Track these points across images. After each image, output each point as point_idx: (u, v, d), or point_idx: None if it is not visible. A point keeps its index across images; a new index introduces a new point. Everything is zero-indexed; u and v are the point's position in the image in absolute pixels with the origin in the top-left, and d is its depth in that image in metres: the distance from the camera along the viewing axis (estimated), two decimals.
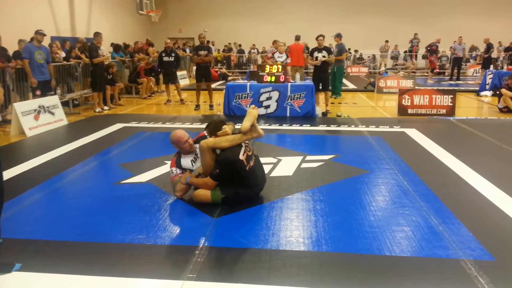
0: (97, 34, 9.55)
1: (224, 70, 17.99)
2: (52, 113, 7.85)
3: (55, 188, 4.41)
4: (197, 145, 4.05)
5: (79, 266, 2.78)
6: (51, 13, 14.60)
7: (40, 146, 6.27)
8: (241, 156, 3.75)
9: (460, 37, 16.69)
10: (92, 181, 4.80)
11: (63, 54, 10.82)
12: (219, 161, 3.74)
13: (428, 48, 17.90)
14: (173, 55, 10.95)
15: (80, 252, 2.99)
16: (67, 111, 9.07)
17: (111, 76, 10.15)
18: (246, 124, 3.81)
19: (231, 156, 3.74)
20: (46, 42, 11.40)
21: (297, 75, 9.48)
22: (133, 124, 7.85)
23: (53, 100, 8.09)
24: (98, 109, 9.59)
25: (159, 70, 12.98)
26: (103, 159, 5.55)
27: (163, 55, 10.97)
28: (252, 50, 21.81)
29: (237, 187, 3.79)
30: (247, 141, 3.93)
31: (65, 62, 10.19)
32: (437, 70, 19.44)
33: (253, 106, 4.05)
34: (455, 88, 12.28)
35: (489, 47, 16.45)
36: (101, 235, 3.24)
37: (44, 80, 8.24)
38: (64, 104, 9.03)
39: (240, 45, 22.15)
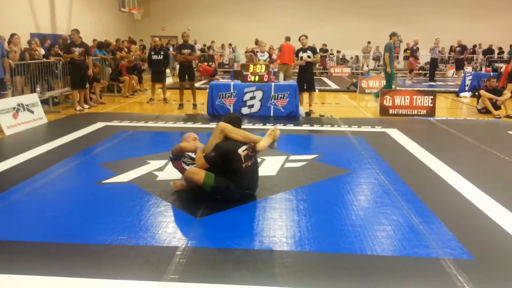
0: (71, 31, 9.42)
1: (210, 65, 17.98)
2: (32, 112, 7.69)
3: (34, 188, 4.32)
4: (199, 143, 4.08)
5: (59, 268, 2.73)
6: (30, 9, 14.30)
7: (19, 145, 6.14)
8: (240, 151, 3.77)
9: (437, 38, 16.98)
10: (72, 181, 4.71)
11: (42, 52, 10.61)
12: (219, 146, 3.78)
13: (408, 49, 18.18)
14: (162, 53, 10.86)
15: (60, 253, 2.93)
16: (47, 110, 8.90)
17: (91, 76, 9.96)
18: (264, 144, 3.84)
19: (231, 145, 3.79)
20: (25, 38, 11.22)
21: (281, 75, 9.50)
22: (115, 123, 7.75)
23: (32, 98, 7.93)
24: (78, 108, 9.43)
25: (142, 68, 12.88)
26: (84, 159, 5.46)
27: (152, 53, 10.88)
28: (229, 50, 21.71)
29: (229, 183, 3.79)
30: (252, 144, 3.93)
31: (44, 59, 9.99)
32: (417, 72, 19.75)
33: (276, 128, 3.98)
34: (435, 89, 12.50)
35: (463, 48, 16.77)
36: (81, 236, 3.18)
37: None
38: (44, 102, 8.86)
39: (204, 45, 21.74)
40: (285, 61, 10.85)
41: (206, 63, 17.48)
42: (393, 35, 10.18)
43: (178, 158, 4.16)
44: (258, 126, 7.66)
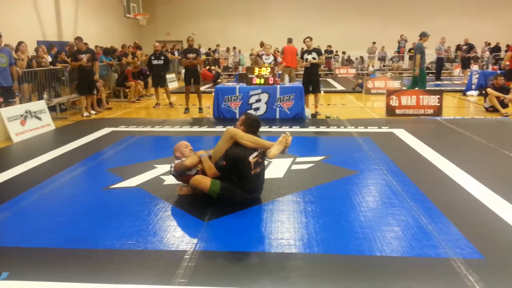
0: (75, 40, 9.51)
1: (217, 69, 17.79)
2: (39, 118, 7.76)
3: (43, 194, 4.35)
4: (199, 152, 4.04)
5: (68, 273, 2.74)
6: (36, 17, 14.43)
7: (27, 152, 6.19)
8: (251, 158, 3.74)
9: (443, 37, 16.88)
10: (80, 186, 4.74)
11: (49, 59, 10.70)
12: (228, 154, 3.74)
13: (413, 49, 18.13)
14: (162, 58, 10.92)
15: (69, 259, 2.95)
16: (54, 116, 8.98)
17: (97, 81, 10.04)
18: (275, 152, 3.80)
19: (241, 153, 3.74)
20: (31, 46, 11.32)
21: (286, 77, 9.50)
22: (122, 128, 7.79)
23: (40, 105, 8.01)
24: (85, 114, 9.49)
25: (147, 73, 12.93)
26: (92, 164, 5.49)
27: (152, 58, 10.94)
28: (233, 53, 21.68)
29: (235, 188, 3.78)
30: (261, 150, 3.90)
31: (51, 66, 10.08)
32: None
33: (288, 134, 3.90)
34: (442, 88, 12.42)
35: (470, 47, 16.65)
36: (90, 241, 3.20)
37: (7, 86, 7.61)
38: (51, 109, 8.94)
39: (209, 48, 21.55)
40: (287, 63, 10.88)
41: (207, 67, 17.42)
42: (423, 35, 9.97)
43: (180, 174, 4.08)
44: (264, 129, 7.65)
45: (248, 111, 8.47)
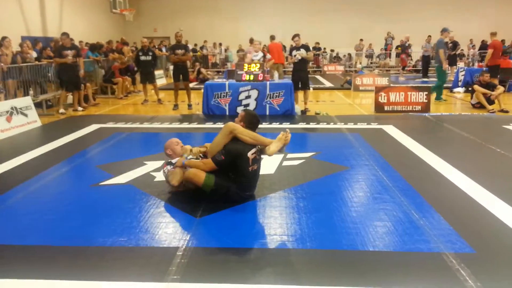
0: (61, 37, 9.33)
1: (207, 75, 17.13)
2: (25, 115, 7.62)
3: (30, 191, 4.26)
4: (179, 162, 3.99)
5: (59, 271, 2.70)
6: (21, 12, 14.17)
7: (13, 149, 6.07)
8: (249, 154, 3.72)
9: (429, 36, 17.03)
10: (69, 183, 4.68)
11: (34, 54, 10.51)
12: (228, 149, 3.70)
13: (400, 46, 18.39)
14: (150, 54, 10.81)
15: (59, 256, 2.90)
16: (41, 113, 8.82)
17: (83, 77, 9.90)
18: (274, 149, 3.79)
19: (241, 148, 3.71)
20: (16, 41, 11.11)
21: (276, 74, 9.50)
22: (110, 125, 7.69)
23: (25, 101, 7.86)
24: (61, 110, 9.24)
25: (135, 69, 12.80)
26: (80, 161, 5.41)
27: (140, 54, 10.82)
28: (219, 49, 21.54)
29: (230, 185, 3.75)
30: (259, 146, 3.88)
31: (37, 62, 9.90)
32: (410, 68, 19.85)
33: (288, 131, 3.91)
34: (429, 85, 12.53)
35: (455, 44, 16.88)
36: (80, 239, 3.15)
37: None
38: (37, 105, 8.77)
39: (196, 44, 21.45)
40: (276, 60, 10.92)
41: (196, 68, 16.89)
42: (444, 30, 10.07)
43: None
44: None
45: (238, 107, 8.47)
